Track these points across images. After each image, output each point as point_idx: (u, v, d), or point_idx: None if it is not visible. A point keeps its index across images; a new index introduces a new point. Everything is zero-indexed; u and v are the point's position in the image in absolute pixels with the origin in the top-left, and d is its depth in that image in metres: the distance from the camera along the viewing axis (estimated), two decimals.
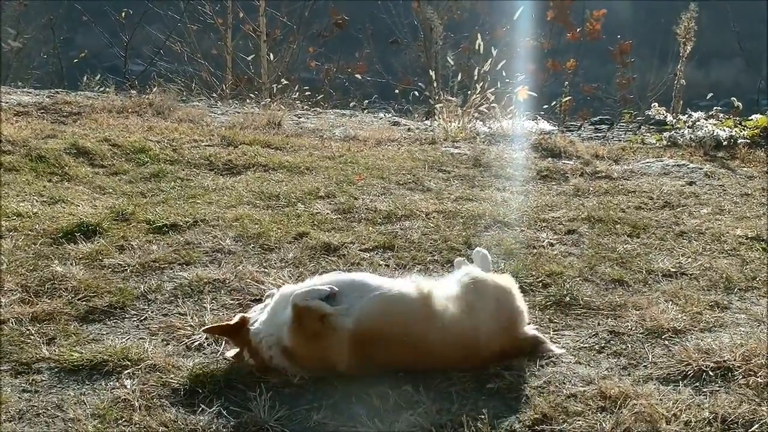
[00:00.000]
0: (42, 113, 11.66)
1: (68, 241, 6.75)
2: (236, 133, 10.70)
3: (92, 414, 4.35)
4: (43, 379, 4.75)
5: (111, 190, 8.39)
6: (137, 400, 4.42)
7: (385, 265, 6.53)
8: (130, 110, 11.95)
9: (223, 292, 5.93)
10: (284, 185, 8.63)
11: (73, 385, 4.69)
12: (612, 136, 12.55)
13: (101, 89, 14.36)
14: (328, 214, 7.77)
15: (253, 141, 10.45)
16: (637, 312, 5.72)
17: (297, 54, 25.68)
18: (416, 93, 18.50)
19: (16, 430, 4.23)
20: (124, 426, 4.26)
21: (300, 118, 12.91)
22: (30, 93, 13.48)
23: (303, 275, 6.21)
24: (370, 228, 7.39)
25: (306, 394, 4.63)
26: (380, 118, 13.76)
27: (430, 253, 6.82)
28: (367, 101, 18.11)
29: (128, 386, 4.66)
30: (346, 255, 6.66)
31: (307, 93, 16.94)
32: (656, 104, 13.75)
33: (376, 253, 6.77)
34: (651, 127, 13.05)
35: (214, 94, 16.79)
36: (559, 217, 7.84)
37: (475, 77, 13.20)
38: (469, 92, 13.32)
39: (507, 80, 14.39)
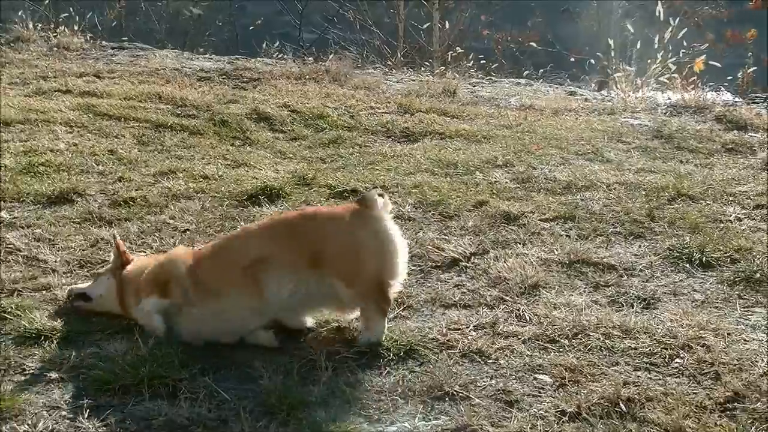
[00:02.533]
0: (223, 79, 11.93)
1: (253, 204, 6.94)
2: (412, 101, 10.71)
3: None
4: None
5: (291, 155, 8.55)
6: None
7: (566, 235, 6.46)
8: (307, 77, 12.10)
9: None
10: (462, 153, 8.61)
11: None
12: None
13: (279, 56, 14.56)
14: (506, 183, 7.72)
15: (429, 109, 10.44)
16: None
17: (469, 22, 25.53)
18: (591, 62, 18.14)
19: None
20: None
21: (474, 86, 12.80)
22: (211, 59, 13.79)
23: (483, 243, 6.22)
24: (550, 198, 7.30)
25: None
26: (556, 88, 13.52)
27: (612, 224, 6.71)
28: (541, 71, 17.85)
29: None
30: (526, 225, 6.62)
31: (481, 62, 16.83)
32: None
33: (557, 224, 6.70)
34: None
35: (388, 63, 16.83)
36: (746, 191, 7.56)
37: (656, 46, 12.85)
38: (649, 61, 12.98)
39: (686, 50, 13.95)
